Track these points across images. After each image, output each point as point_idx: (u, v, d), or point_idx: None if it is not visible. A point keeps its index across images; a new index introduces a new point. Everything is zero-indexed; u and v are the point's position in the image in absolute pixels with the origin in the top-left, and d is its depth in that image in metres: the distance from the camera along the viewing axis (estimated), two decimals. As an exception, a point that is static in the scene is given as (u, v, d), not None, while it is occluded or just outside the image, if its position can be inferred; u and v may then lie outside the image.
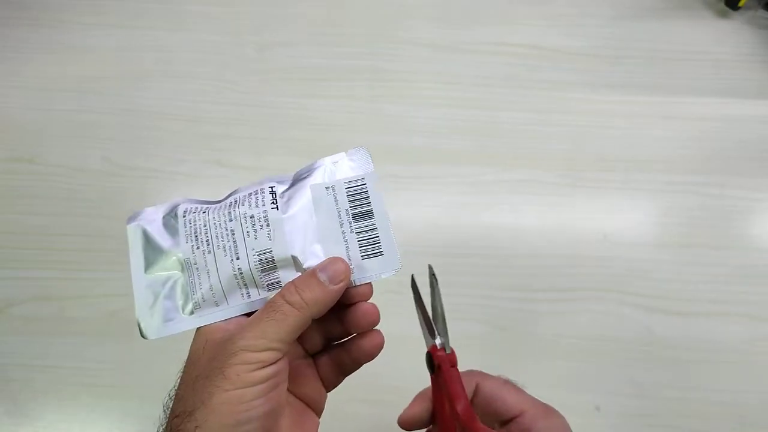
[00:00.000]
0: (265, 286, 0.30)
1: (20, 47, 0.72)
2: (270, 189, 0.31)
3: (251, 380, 0.26)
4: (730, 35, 0.74)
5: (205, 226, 0.31)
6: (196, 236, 0.31)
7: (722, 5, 0.74)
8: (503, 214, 0.63)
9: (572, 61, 0.72)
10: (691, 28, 0.74)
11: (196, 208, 0.32)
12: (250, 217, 0.30)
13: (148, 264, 0.31)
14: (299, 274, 0.30)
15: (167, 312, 0.31)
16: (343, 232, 0.31)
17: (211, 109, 0.69)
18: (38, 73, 0.71)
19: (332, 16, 0.75)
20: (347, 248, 0.31)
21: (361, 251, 0.31)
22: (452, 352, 0.33)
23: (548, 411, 0.30)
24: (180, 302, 0.31)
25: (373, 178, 0.32)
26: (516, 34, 0.73)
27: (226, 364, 0.26)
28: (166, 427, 0.27)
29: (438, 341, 0.35)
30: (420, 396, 0.33)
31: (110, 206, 0.63)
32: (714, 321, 0.58)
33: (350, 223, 0.31)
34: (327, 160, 0.32)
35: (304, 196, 0.31)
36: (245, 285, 0.30)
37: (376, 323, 0.31)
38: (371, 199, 0.31)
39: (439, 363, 0.33)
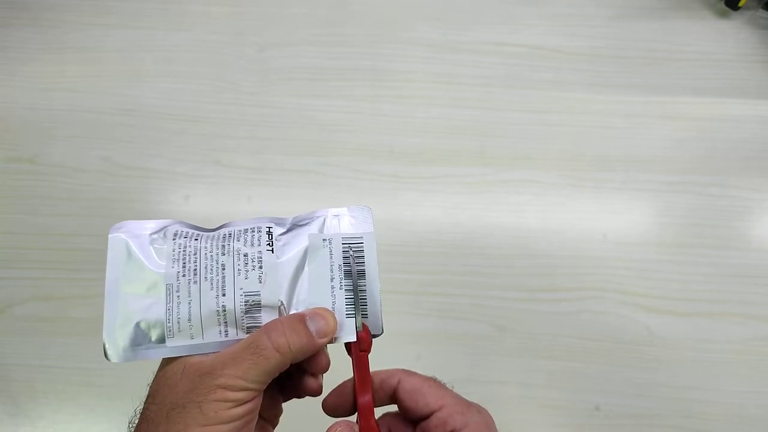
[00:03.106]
0: (245, 327, 0.29)
1: (20, 47, 0.72)
2: (267, 229, 0.31)
3: (227, 417, 0.26)
4: (730, 35, 0.74)
5: (195, 254, 0.30)
6: (184, 263, 0.30)
7: (722, 5, 0.74)
8: (503, 214, 0.63)
9: (572, 61, 0.72)
10: (691, 28, 0.74)
11: (188, 233, 0.31)
12: (244, 255, 0.30)
13: (127, 280, 0.30)
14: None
15: (136, 336, 0.29)
16: (333, 287, 0.31)
17: (211, 109, 0.69)
18: (38, 73, 0.71)
19: (332, 16, 0.75)
20: (334, 303, 0.30)
21: (347, 309, 0.31)
22: (367, 334, 0.31)
23: (469, 406, 0.30)
24: (151, 328, 0.29)
25: (371, 239, 0.31)
26: (516, 34, 0.73)
27: (204, 399, 0.26)
28: None
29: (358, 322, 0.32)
30: (344, 384, 0.32)
31: (110, 206, 0.63)
32: (714, 321, 0.58)
33: (341, 279, 0.31)
34: (329, 212, 0.32)
35: (300, 243, 0.31)
36: (225, 323, 0.29)
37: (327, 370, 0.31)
38: (366, 260, 0.31)
39: (350, 346, 0.31)
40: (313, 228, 0.31)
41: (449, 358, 0.57)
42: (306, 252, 0.31)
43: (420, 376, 0.31)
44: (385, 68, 0.71)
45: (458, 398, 0.30)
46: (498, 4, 0.75)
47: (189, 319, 0.29)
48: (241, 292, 0.29)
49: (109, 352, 0.30)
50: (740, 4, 0.72)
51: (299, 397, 0.32)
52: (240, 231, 0.31)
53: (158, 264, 0.30)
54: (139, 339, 0.29)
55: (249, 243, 0.30)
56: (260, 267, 0.30)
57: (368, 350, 0.31)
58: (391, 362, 0.61)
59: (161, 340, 0.29)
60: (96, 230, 0.62)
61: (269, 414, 0.32)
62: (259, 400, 0.28)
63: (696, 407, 0.55)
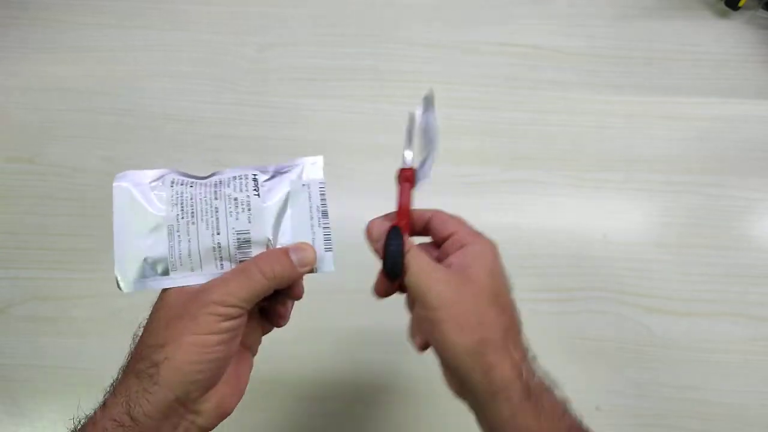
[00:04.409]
0: (238, 261, 0.34)
1: (20, 47, 0.72)
2: (253, 176, 0.35)
3: (217, 329, 0.30)
4: (730, 35, 0.74)
5: (191, 199, 0.34)
6: (182, 206, 0.34)
7: (722, 5, 0.74)
8: (503, 214, 0.63)
9: (572, 61, 0.72)
10: (691, 28, 0.74)
11: (183, 180, 0.35)
12: (234, 199, 0.34)
13: (132, 223, 0.34)
14: None
15: (144, 270, 0.33)
16: (312, 225, 0.35)
17: (211, 109, 0.69)
18: (38, 73, 0.71)
19: (332, 16, 0.75)
20: (314, 240, 0.35)
21: (326, 244, 0.35)
22: (411, 169, 0.39)
23: (478, 234, 0.37)
24: (157, 263, 0.33)
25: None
26: (516, 34, 0.73)
27: (199, 312, 0.30)
28: (134, 353, 0.32)
29: (408, 159, 0.40)
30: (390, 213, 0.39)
31: (110, 206, 0.63)
32: (714, 321, 0.58)
33: (319, 218, 0.35)
34: (307, 160, 0.37)
35: (283, 189, 0.35)
36: (221, 258, 0.34)
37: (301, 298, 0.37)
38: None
39: (399, 175, 0.38)
40: (293, 175, 0.36)
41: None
42: (288, 196, 0.35)
43: (448, 213, 0.39)
44: (385, 68, 0.71)
45: (472, 228, 0.38)
46: (498, 4, 0.75)
47: (189, 255, 0.33)
48: (234, 230, 0.33)
49: (121, 284, 0.33)
50: (740, 4, 0.72)
51: (275, 325, 0.37)
52: (229, 178, 0.35)
53: (159, 208, 0.34)
54: (147, 272, 0.33)
55: (238, 189, 0.34)
56: (249, 210, 0.34)
57: (411, 183, 0.39)
58: (391, 362, 0.61)
59: (166, 272, 0.33)
60: (96, 230, 0.62)
61: (251, 340, 0.36)
62: (244, 319, 0.32)
63: (696, 407, 0.55)
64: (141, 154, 0.66)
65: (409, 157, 0.41)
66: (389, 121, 0.68)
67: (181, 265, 0.33)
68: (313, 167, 0.37)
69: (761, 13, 0.75)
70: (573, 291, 0.59)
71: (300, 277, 0.34)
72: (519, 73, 0.71)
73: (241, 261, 0.34)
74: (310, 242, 0.35)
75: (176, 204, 0.34)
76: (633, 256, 0.61)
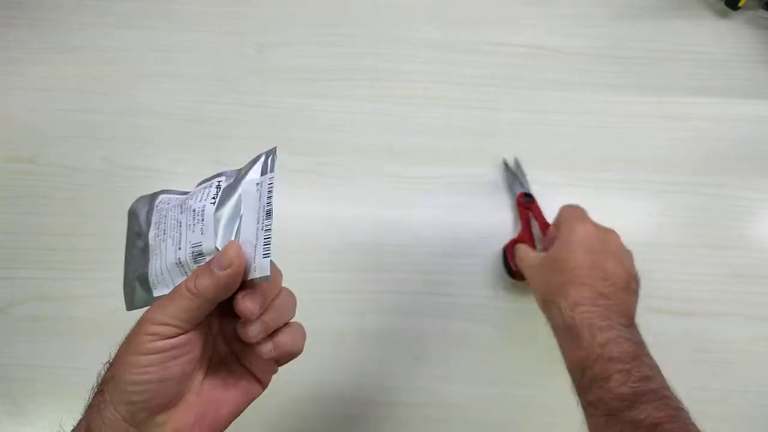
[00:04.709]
0: None
1: (20, 47, 0.72)
2: (217, 183, 0.33)
3: (150, 349, 0.30)
4: (730, 35, 0.74)
5: (165, 216, 0.34)
6: (158, 225, 0.34)
7: (722, 5, 0.74)
8: (503, 214, 0.63)
9: (572, 61, 0.72)
10: (691, 28, 0.74)
11: (169, 199, 0.35)
12: (193, 211, 0.33)
13: (130, 245, 0.36)
14: None
15: (137, 290, 0.35)
16: (257, 229, 0.31)
17: (211, 109, 0.69)
18: (38, 73, 0.71)
19: (332, 16, 0.75)
20: (256, 246, 0.31)
21: (264, 250, 0.30)
22: (521, 196, 0.62)
23: (559, 224, 0.52)
24: (145, 282, 0.34)
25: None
26: (516, 34, 0.73)
27: (133, 332, 0.31)
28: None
29: (522, 188, 0.63)
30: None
31: (110, 206, 0.63)
32: (714, 321, 0.58)
33: (263, 219, 0.31)
34: (264, 154, 0.33)
35: (236, 193, 0.32)
36: (185, 273, 0.33)
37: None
38: (273, 199, 0.32)
39: (531, 199, 0.62)
40: (254, 173, 0.32)
41: (449, 359, 0.57)
42: (240, 198, 0.32)
43: (568, 206, 0.53)
44: (385, 68, 0.71)
45: (559, 220, 0.52)
46: (498, 4, 0.75)
47: (161, 273, 0.34)
48: (190, 244, 0.33)
49: (126, 306, 0.35)
50: (740, 4, 0.72)
51: (257, 350, 0.33)
52: (199, 189, 0.34)
53: (146, 230, 0.35)
54: (139, 292, 0.35)
55: (199, 199, 0.33)
56: (202, 220, 0.32)
57: (528, 207, 0.61)
58: (390, 362, 0.61)
59: (149, 291, 0.34)
60: (96, 230, 0.62)
61: (257, 370, 0.35)
62: (184, 340, 0.31)
63: (696, 407, 0.55)
64: (141, 154, 0.66)
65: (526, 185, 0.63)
66: (389, 121, 0.68)
67: (158, 282, 0.34)
68: (269, 162, 0.32)
69: (761, 13, 0.75)
70: (573, 291, 0.59)
71: (227, 281, 0.30)
72: (519, 73, 0.71)
73: None
74: (252, 247, 0.31)
75: (157, 223, 0.35)
76: (633, 256, 0.61)
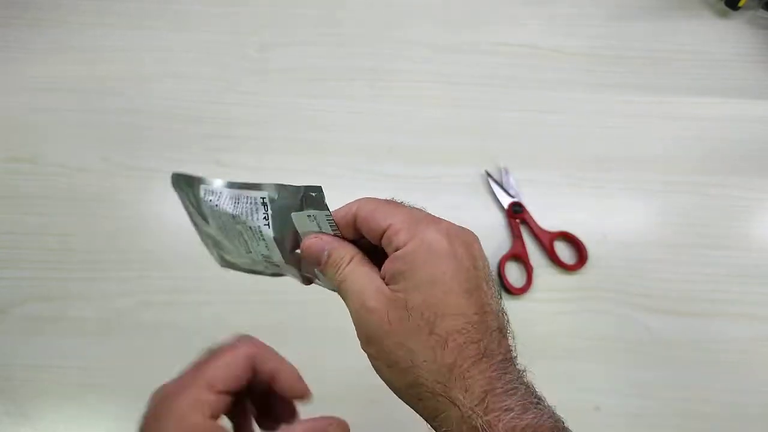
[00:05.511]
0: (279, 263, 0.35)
1: (20, 47, 0.72)
2: (262, 200, 0.33)
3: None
4: (730, 35, 0.74)
5: (220, 218, 0.34)
6: (219, 224, 0.35)
7: (722, 5, 0.74)
8: (503, 214, 0.63)
9: (572, 61, 0.72)
10: (691, 28, 0.74)
11: (215, 195, 0.34)
12: (250, 228, 0.33)
13: (201, 220, 0.36)
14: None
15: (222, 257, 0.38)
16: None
17: (211, 109, 0.69)
18: (39, 73, 0.71)
19: (332, 16, 0.75)
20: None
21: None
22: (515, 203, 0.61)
23: (418, 222, 0.28)
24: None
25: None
26: (516, 34, 0.73)
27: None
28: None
29: (510, 198, 0.62)
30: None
31: (110, 206, 0.63)
32: (714, 321, 0.58)
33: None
34: (305, 188, 0.32)
35: (290, 222, 0.32)
36: (265, 262, 0.35)
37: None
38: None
39: (520, 209, 0.59)
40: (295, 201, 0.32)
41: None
42: (298, 227, 0.33)
43: (376, 199, 0.29)
44: (385, 68, 0.71)
45: (410, 215, 0.28)
46: (498, 4, 0.75)
47: (239, 258, 0.37)
48: (259, 254, 0.35)
49: (215, 261, 0.38)
50: (740, 4, 0.72)
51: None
52: (245, 201, 0.34)
53: (199, 214, 0.36)
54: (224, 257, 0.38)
55: (251, 216, 0.33)
56: (263, 239, 0.33)
57: (518, 217, 0.60)
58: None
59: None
60: (96, 230, 0.62)
61: None
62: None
63: (696, 407, 0.55)
64: (141, 154, 0.66)
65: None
66: (389, 121, 0.68)
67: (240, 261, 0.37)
68: (314, 198, 0.32)
69: (761, 13, 0.75)
70: (573, 291, 0.59)
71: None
72: (519, 73, 0.71)
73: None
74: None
75: (214, 218, 0.35)
76: (633, 256, 0.61)
